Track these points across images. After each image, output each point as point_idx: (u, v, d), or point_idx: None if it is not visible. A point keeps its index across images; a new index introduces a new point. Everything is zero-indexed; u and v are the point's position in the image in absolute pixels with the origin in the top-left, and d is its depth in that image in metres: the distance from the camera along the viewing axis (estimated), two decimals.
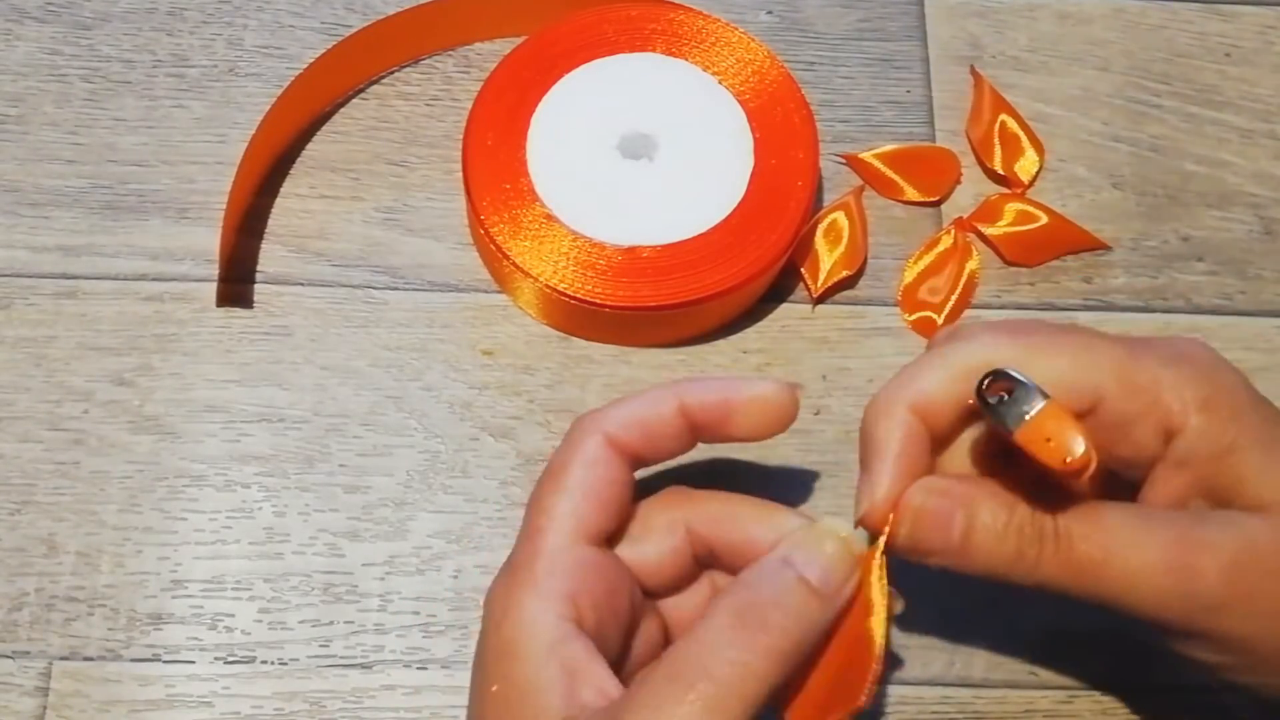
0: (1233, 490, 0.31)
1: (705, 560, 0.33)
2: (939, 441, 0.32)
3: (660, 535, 0.33)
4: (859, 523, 0.31)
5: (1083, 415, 0.30)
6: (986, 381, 0.29)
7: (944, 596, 0.36)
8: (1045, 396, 0.28)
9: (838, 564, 0.30)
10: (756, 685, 0.27)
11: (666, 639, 0.34)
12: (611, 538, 0.32)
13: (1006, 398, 0.29)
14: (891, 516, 0.30)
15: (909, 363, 0.32)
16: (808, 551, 0.30)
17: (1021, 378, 0.29)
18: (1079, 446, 0.28)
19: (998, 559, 0.30)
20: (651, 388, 0.32)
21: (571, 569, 0.30)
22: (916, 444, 0.31)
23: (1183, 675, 0.39)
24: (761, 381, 0.32)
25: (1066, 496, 0.30)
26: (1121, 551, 0.29)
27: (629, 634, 0.32)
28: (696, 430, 0.32)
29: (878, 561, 0.30)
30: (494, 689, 0.29)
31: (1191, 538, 0.29)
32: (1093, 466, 0.28)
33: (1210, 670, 0.31)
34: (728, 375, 0.34)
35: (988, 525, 0.30)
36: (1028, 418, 0.28)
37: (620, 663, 0.32)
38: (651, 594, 0.33)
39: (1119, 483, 0.32)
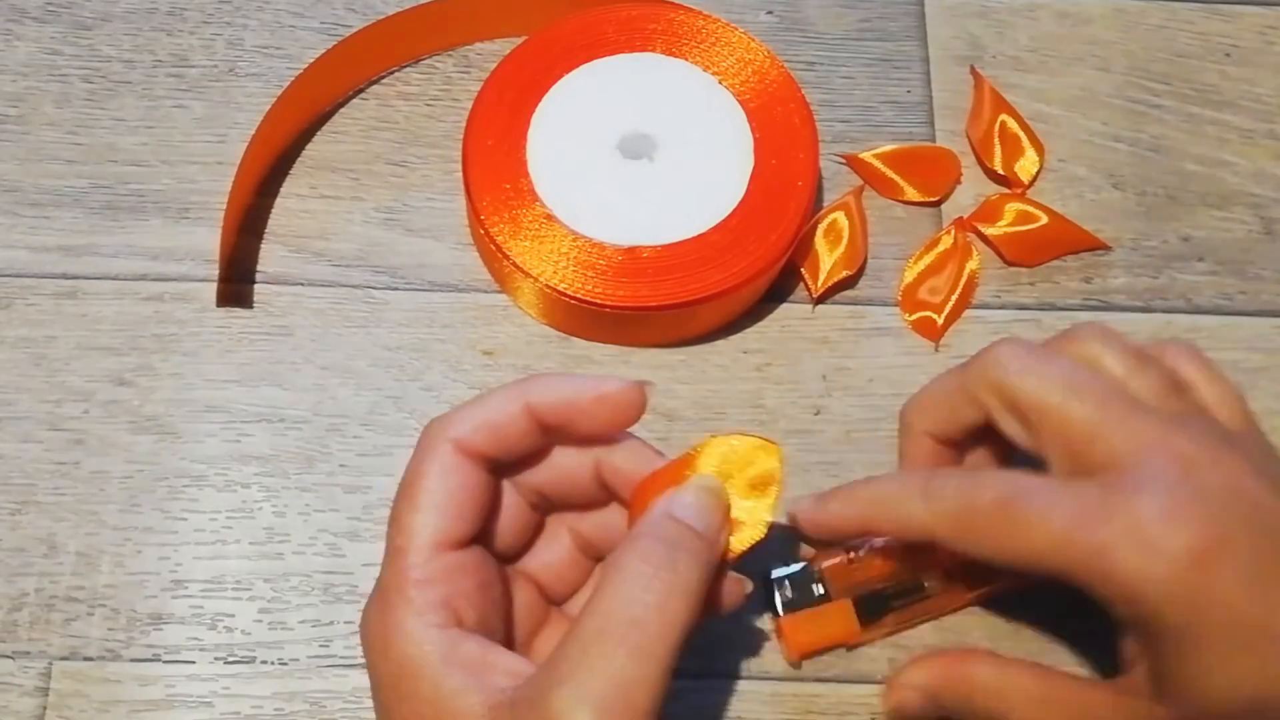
0: (1166, 676, 0.32)
1: (543, 507, 0.34)
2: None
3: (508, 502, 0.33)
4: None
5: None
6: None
7: None
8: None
9: (713, 511, 0.31)
10: (676, 626, 0.28)
11: (544, 597, 0.35)
12: (474, 537, 0.32)
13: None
14: None
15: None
16: (686, 503, 0.31)
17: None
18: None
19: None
20: (500, 387, 0.32)
21: (439, 579, 0.30)
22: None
23: None
24: (607, 380, 0.32)
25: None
26: (1100, 536, 0.31)
27: (508, 613, 0.33)
28: (546, 430, 0.32)
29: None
30: (404, 709, 0.29)
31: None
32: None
33: None
34: (575, 374, 0.34)
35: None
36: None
37: (509, 642, 0.32)
38: (510, 558, 0.34)
39: None
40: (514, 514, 0.33)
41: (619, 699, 0.27)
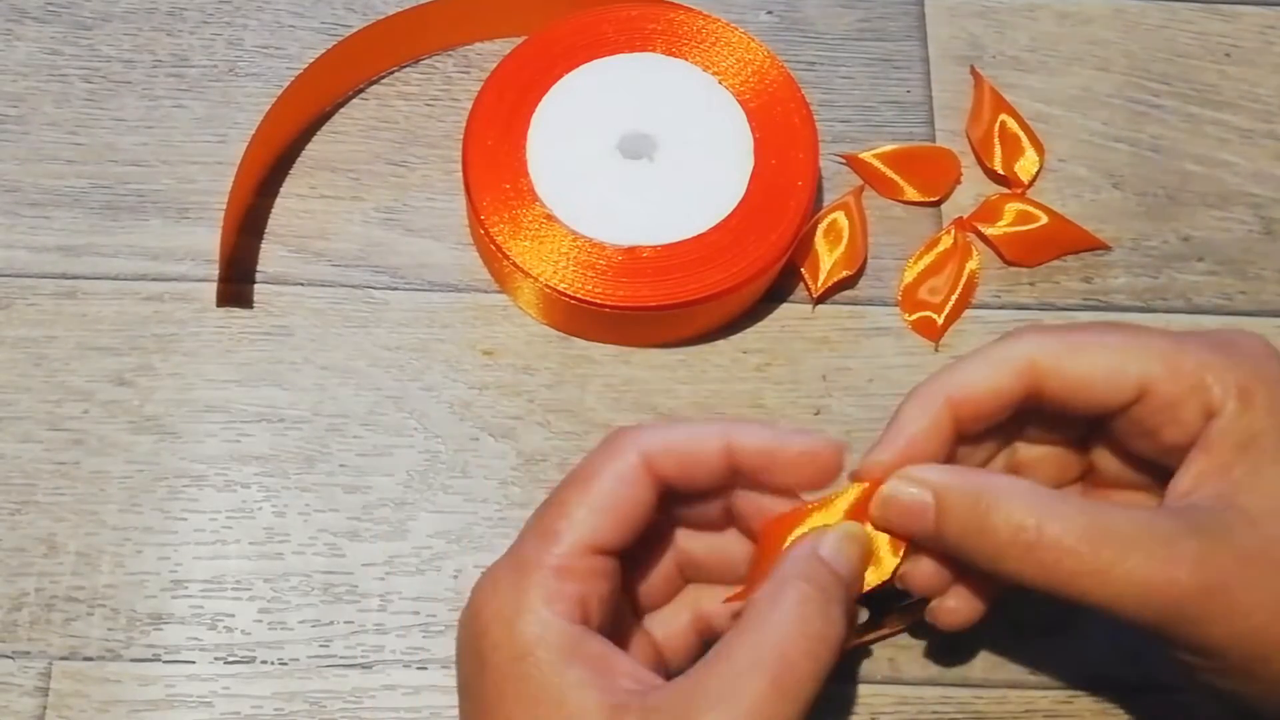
0: (1240, 487, 0.31)
1: (663, 497, 0.33)
2: (972, 435, 0.34)
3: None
4: (851, 477, 0.33)
5: (1130, 404, 0.32)
6: None
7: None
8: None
9: (859, 561, 0.31)
10: (822, 672, 0.28)
11: (658, 656, 0.34)
12: (619, 554, 0.32)
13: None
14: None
15: (957, 359, 0.33)
16: (836, 548, 0.31)
17: None
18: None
19: (978, 553, 0.31)
20: (702, 420, 0.32)
21: (581, 575, 0.30)
22: (937, 432, 0.32)
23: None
24: (812, 436, 0.32)
25: (1058, 499, 0.31)
26: (1102, 565, 0.30)
27: (619, 636, 0.32)
28: (736, 473, 0.32)
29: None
30: (514, 689, 0.29)
31: (1170, 551, 0.29)
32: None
33: (1188, 671, 0.32)
34: (779, 423, 0.33)
35: (961, 520, 0.31)
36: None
37: None
38: (638, 611, 0.34)
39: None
40: (665, 573, 0.34)
41: None
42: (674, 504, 0.33)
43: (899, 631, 0.39)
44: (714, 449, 0.31)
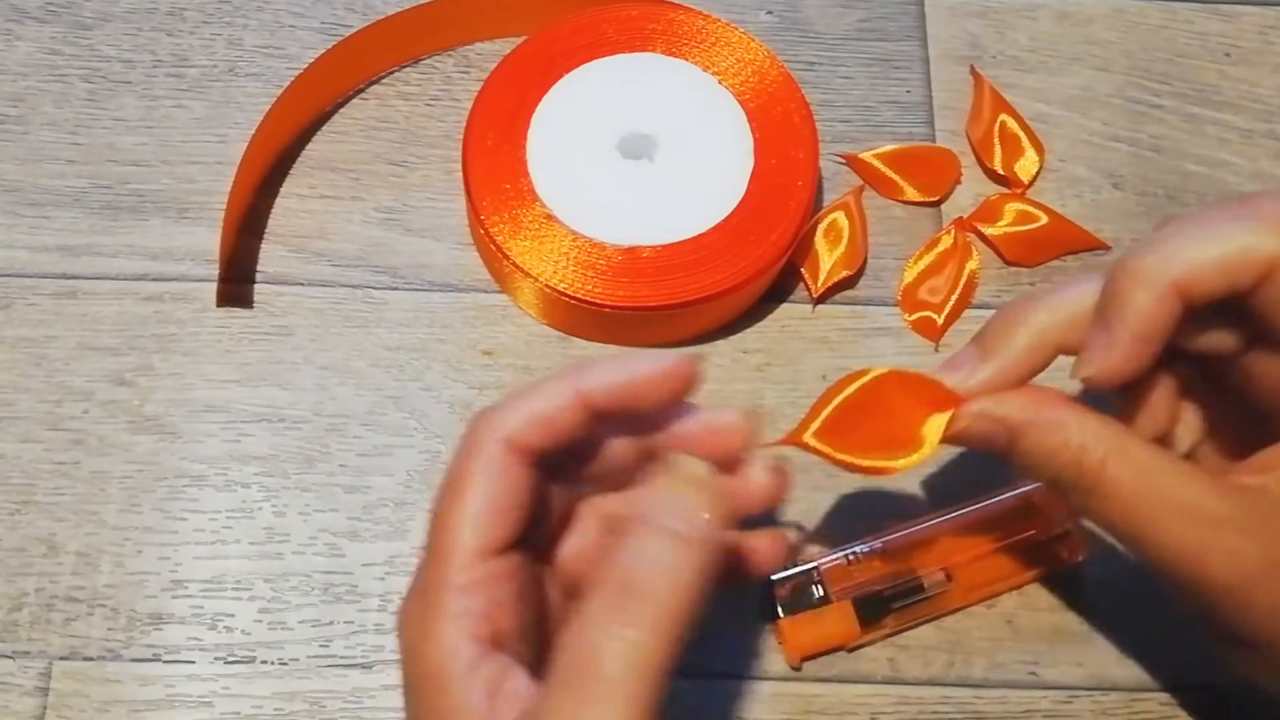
0: None
1: (544, 467, 0.32)
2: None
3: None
4: (1085, 383, 0.31)
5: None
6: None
7: None
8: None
9: (700, 504, 0.29)
10: (653, 661, 0.27)
11: (574, 580, 0.34)
12: (517, 541, 0.31)
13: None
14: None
15: (1177, 231, 0.31)
16: (667, 503, 0.29)
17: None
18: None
19: (1044, 478, 0.31)
20: (548, 377, 0.31)
21: (480, 587, 0.29)
22: (1168, 325, 0.30)
23: (1184, 675, 0.39)
24: (658, 357, 0.31)
25: (1129, 442, 0.31)
26: (1145, 528, 0.30)
27: (544, 614, 0.32)
28: (599, 417, 0.31)
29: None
30: (425, 709, 0.29)
31: (1209, 537, 0.29)
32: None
33: (1224, 660, 0.32)
34: (622, 358, 0.32)
35: (1032, 450, 0.31)
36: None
37: (543, 643, 0.31)
38: (544, 549, 0.33)
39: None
40: (554, 506, 0.32)
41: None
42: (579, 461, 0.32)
43: (900, 631, 0.39)
44: (569, 404, 0.30)
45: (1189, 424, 0.34)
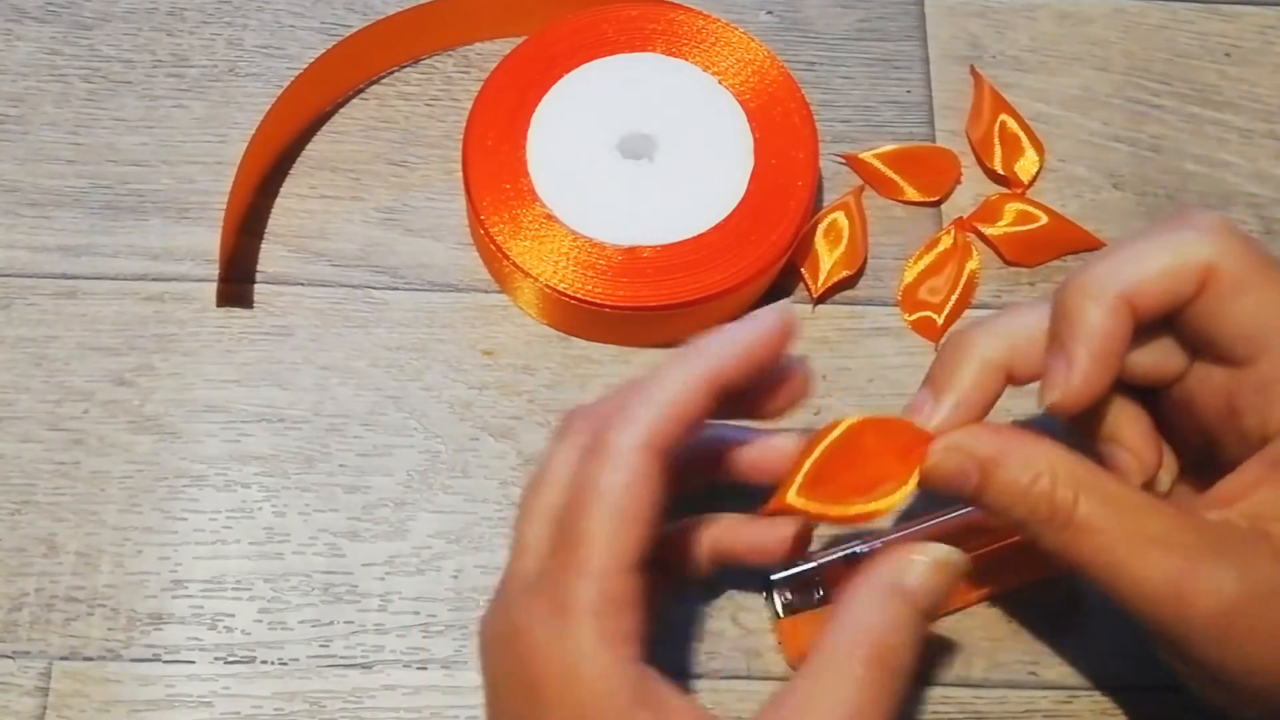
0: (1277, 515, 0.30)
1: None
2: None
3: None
4: (1051, 410, 0.31)
5: (1241, 364, 0.30)
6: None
7: None
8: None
9: (943, 587, 0.30)
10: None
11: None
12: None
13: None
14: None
15: (1120, 247, 0.31)
16: (919, 578, 0.30)
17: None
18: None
19: (1012, 517, 0.30)
20: (666, 370, 0.29)
21: (629, 604, 0.28)
22: (1122, 338, 0.30)
23: None
24: (760, 319, 0.30)
25: (1102, 479, 0.30)
26: (1120, 564, 0.29)
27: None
28: (720, 401, 0.30)
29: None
30: None
31: (1189, 572, 0.29)
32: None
33: (1210, 694, 0.31)
34: (725, 330, 0.31)
35: (1001, 488, 0.30)
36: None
37: None
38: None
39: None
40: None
41: None
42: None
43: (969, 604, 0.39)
44: (703, 396, 0.29)
45: (1167, 464, 0.34)
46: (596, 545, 0.28)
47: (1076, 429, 0.33)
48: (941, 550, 0.30)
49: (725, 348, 0.30)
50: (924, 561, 0.30)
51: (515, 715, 0.29)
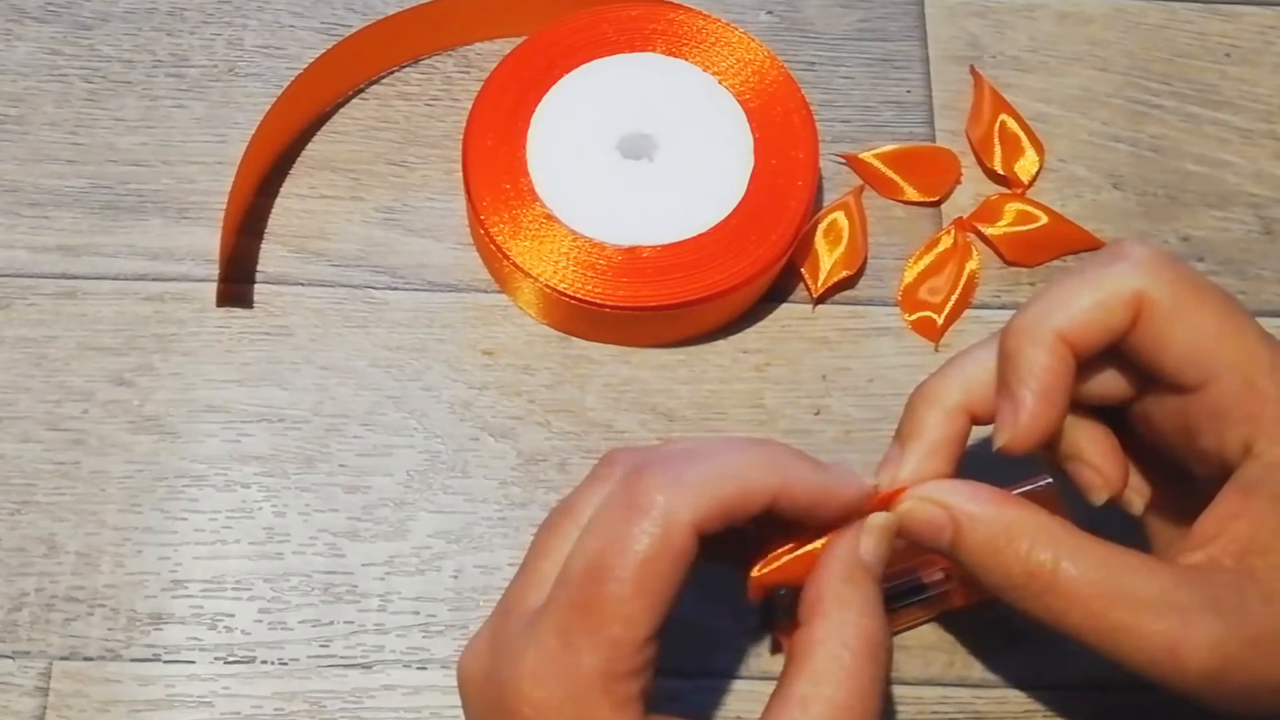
0: (1263, 545, 0.29)
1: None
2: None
3: None
4: (1004, 452, 0.31)
5: (1191, 389, 0.30)
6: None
7: None
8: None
9: (886, 551, 0.31)
10: (884, 683, 0.29)
11: None
12: None
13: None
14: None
15: (1053, 286, 0.31)
16: (873, 547, 0.31)
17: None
18: None
19: (989, 580, 0.30)
20: (741, 452, 0.29)
21: (640, 671, 0.28)
22: (1065, 375, 0.31)
23: None
24: (857, 481, 0.31)
25: (1080, 540, 0.30)
26: (1109, 625, 0.29)
27: None
28: (773, 513, 0.30)
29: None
30: None
31: (1182, 630, 0.29)
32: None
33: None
34: (817, 462, 0.31)
35: (976, 548, 0.30)
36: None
37: None
38: None
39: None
40: None
41: None
42: None
43: (900, 631, 0.39)
44: (765, 501, 0.29)
45: (1136, 485, 0.34)
46: (622, 613, 0.27)
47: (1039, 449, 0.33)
48: (879, 517, 0.31)
49: (806, 475, 0.30)
50: (873, 530, 0.31)
51: None
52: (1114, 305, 0.30)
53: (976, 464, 0.33)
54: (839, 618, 0.29)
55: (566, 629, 0.28)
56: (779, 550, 0.32)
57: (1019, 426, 0.31)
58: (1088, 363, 0.31)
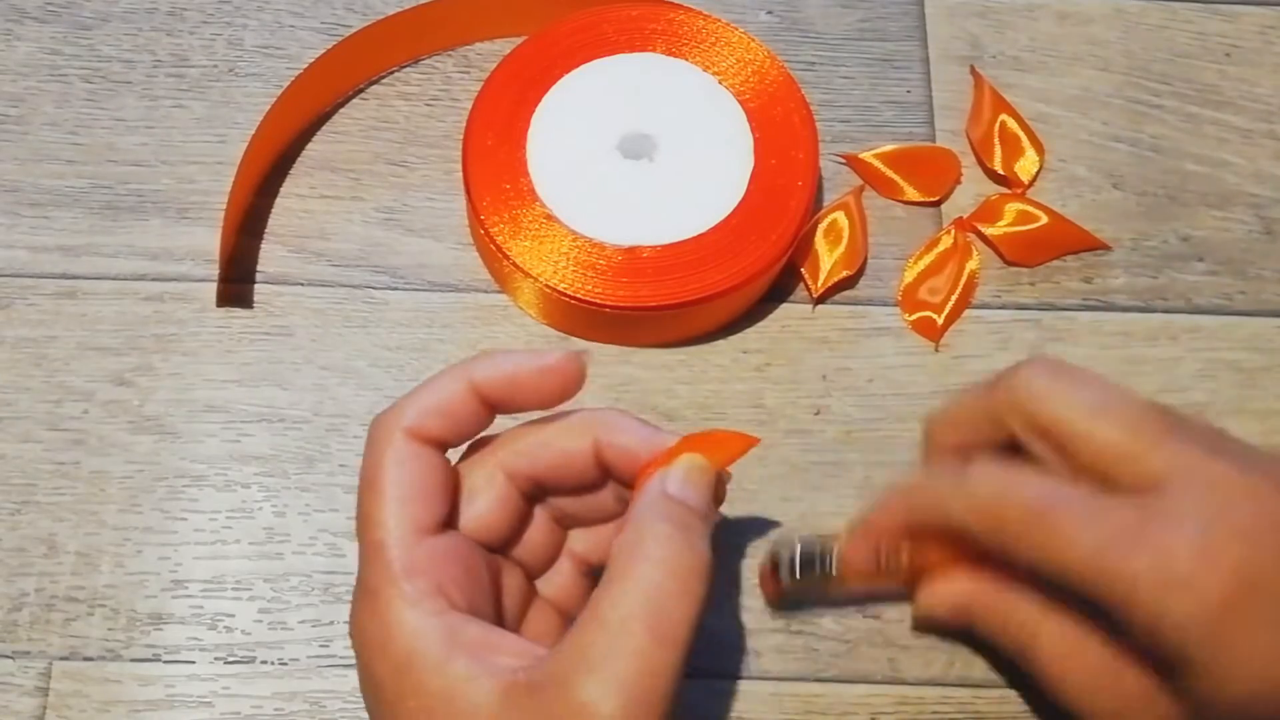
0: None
1: (533, 494, 0.34)
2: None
3: (483, 491, 0.33)
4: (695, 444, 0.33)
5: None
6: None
7: None
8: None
9: (706, 487, 0.32)
10: (697, 607, 0.29)
11: (560, 615, 0.34)
12: (447, 521, 0.32)
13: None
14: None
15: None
16: (680, 480, 0.31)
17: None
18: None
19: (990, 529, 0.33)
20: (440, 372, 0.32)
21: (425, 566, 0.30)
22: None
23: None
24: (548, 354, 0.32)
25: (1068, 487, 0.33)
26: (1114, 557, 0.31)
27: (498, 599, 0.33)
28: (491, 406, 0.32)
29: None
30: (409, 705, 0.29)
31: (1208, 547, 0.30)
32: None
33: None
34: (516, 350, 0.34)
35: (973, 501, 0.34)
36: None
37: (500, 626, 0.32)
38: (496, 549, 0.33)
39: None
40: (504, 505, 0.33)
41: (648, 686, 0.27)
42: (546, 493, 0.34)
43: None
44: (463, 393, 0.32)
45: None
46: (379, 522, 0.30)
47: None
48: (686, 458, 0.32)
49: (496, 361, 0.32)
50: (676, 471, 0.31)
51: (370, 702, 0.30)
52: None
53: None
54: (634, 530, 0.30)
55: (361, 562, 0.31)
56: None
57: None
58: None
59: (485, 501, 0.33)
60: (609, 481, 0.34)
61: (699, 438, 0.32)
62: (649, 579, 0.28)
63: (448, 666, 0.28)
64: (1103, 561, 0.30)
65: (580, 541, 0.35)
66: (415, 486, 0.31)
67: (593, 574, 0.35)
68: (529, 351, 0.33)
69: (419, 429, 0.31)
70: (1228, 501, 0.30)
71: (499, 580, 0.33)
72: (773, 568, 0.38)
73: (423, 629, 0.29)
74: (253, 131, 0.44)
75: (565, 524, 0.35)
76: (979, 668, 0.39)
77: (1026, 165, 0.46)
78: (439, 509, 0.31)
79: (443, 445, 0.32)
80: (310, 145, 0.46)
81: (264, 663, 0.39)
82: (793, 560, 0.37)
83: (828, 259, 0.44)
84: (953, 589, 0.36)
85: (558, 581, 0.35)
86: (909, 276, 0.45)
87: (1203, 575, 0.30)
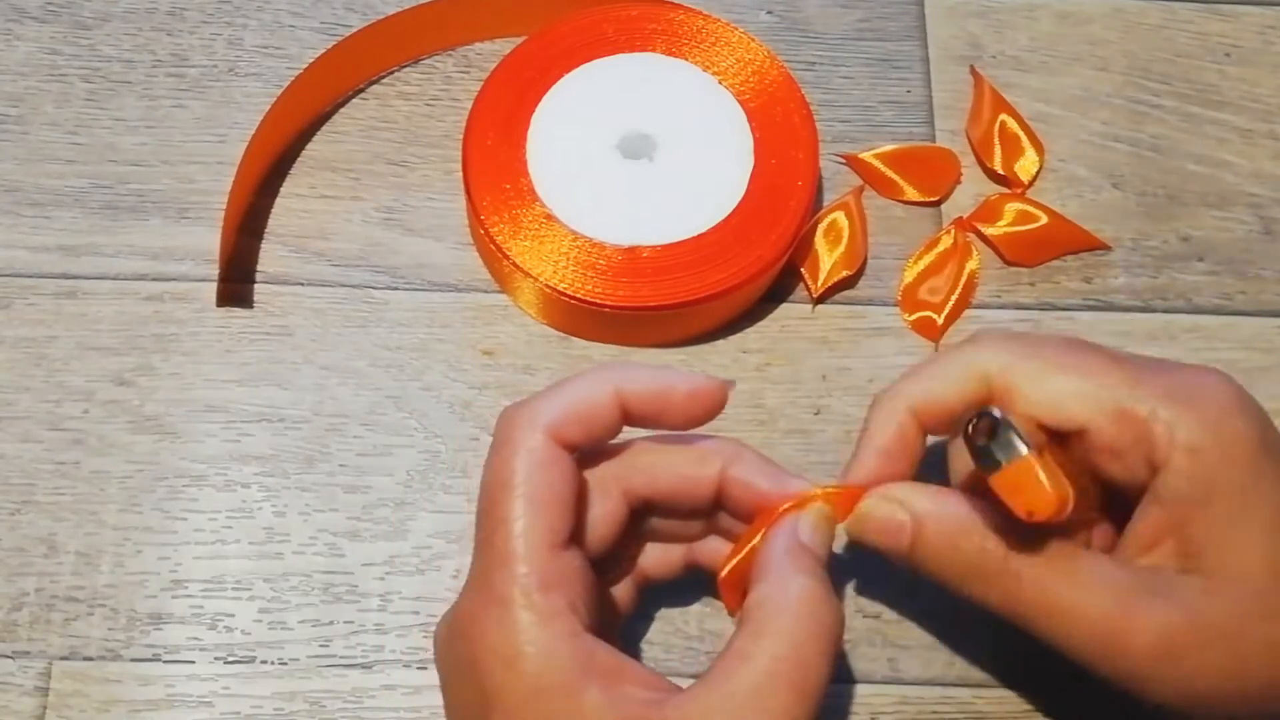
0: (1198, 546, 0.31)
1: (639, 511, 0.34)
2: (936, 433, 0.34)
3: (597, 504, 0.32)
4: (826, 498, 0.33)
5: (1070, 437, 0.32)
6: (973, 422, 0.30)
7: (944, 595, 0.36)
8: (1026, 447, 0.29)
9: (829, 542, 0.32)
10: (832, 662, 0.29)
11: (616, 614, 0.35)
12: (574, 534, 0.31)
13: (989, 441, 0.29)
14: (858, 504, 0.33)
15: (918, 363, 0.34)
16: (809, 530, 0.31)
17: (1006, 423, 0.29)
18: (1043, 505, 0.29)
19: (947, 574, 0.32)
20: (581, 375, 0.32)
21: (559, 582, 0.29)
22: (905, 442, 0.33)
23: None
24: (696, 377, 0.32)
25: (1030, 533, 0.31)
26: (1061, 605, 0.31)
27: (604, 619, 0.32)
28: (629, 418, 0.32)
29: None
30: None
31: (1127, 609, 0.30)
32: (1065, 513, 0.29)
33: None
34: (659, 366, 0.33)
35: (934, 543, 0.32)
36: (1003, 466, 0.29)
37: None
38: (597, 561, 0.33)
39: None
40: (613, 519, 0.33)
41: None
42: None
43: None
44: (608, 401, 0.31)
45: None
46: (514, 530, 0.29)
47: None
48: (817, 505, 0.32)
49: (644, 375, 0.31)
50: (810, 513, 0.32)
51: (469, 710, 0.30)
52: (962, 382, 0.33)
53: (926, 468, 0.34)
54: (778, 582, 0.30)
55: (485, 566, 0.30)
56: (735, 548, 0.33)
57: (853, 477, 0.33)
58: (939, 431, 0.34)
59: (598, 514, 0.32)
60: (719, 512, 0.34)
61: (828, 491, 0.33)
62: (793, 635, 0.29)
63: (581, 697, 0.28)
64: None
65: (648, 556, 0.35)
66: (553, 493, 0.30)
67: (642, 587, 0.36)
68: (673, 370, 0.32)
69: (559, 432, 0.30)
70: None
71: (601, 598, 0.33)
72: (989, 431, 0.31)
73: (557, 651, 0.28)
74: (253, 131, 0.44)
75: (647, 538, 0.35)
76: (979, 668, 0.39)
77: (1026, 165, 0.46)
78: (571, 519, 0.30)
79: (574, 451, 0.31)
80: (310, 145, 0.46)
81: (264, 663, 0.39)
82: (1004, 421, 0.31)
83: (828, 259, 0.44)
84: (913, 496, 0.33)
85: (620, 588, 0.35)
86: (909, 276, 0.45)
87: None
